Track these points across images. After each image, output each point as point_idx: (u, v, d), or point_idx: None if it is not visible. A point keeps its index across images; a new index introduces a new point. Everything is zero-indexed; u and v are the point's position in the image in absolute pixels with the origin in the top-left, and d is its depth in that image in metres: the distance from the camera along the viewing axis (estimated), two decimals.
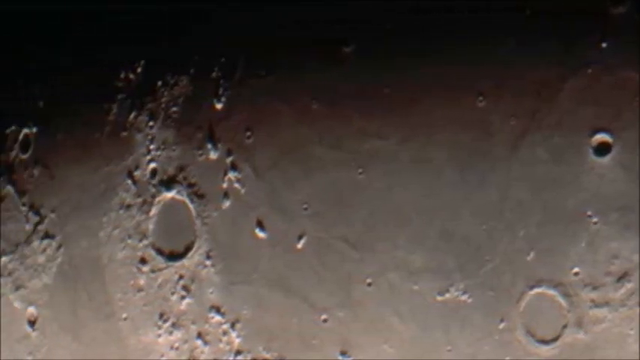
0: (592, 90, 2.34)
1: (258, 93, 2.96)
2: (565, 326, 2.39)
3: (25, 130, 3.74)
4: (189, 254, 3.16)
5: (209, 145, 3.08)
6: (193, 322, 3.14)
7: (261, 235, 2.96)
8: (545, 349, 2.42)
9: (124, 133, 3.35)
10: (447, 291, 2.56)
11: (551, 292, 2.40)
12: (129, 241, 3.35)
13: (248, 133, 2.98)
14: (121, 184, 3.37)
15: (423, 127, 2.59)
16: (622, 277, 2.36)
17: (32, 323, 3.71)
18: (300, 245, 2.86)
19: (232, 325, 3.03)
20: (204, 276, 3.11)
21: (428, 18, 2.58)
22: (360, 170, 2.72)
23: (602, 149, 2.34)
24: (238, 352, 3.02)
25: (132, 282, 3.34)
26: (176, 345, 3.19)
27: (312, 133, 2.83)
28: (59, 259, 3.60)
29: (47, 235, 3.65)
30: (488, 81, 2.48)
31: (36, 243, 3.69)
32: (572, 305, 2.38)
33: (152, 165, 3.27)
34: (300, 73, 2.85)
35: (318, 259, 2.82)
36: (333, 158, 2.78)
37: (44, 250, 3.66)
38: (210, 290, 3.09)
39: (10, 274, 3.81)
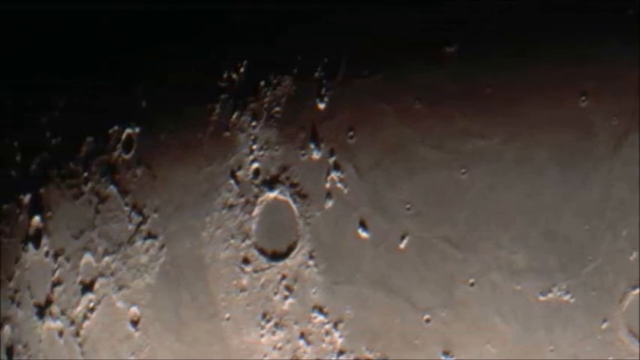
0: None
1: (360, 93, 3.02)
2: None
3: (128, 130, 3.86)
4: (292, 254, 3.23)
5: (312, 145, 3.17)
6: (296, 322, 3.23)
7: (363, 235, 3.02)
8: None
9: (227, 133, 3.44)
10: (550, 291, 2.58)
11: None
12: (232, 241, 3.44)
13: (351, 133, 3.05)
14: (223, 184, 3.46)
15: (526, 126, 2.61)
16: None
17: (135, 323, 3.82)
18: (402, 245, 2.92)
19: (335, 325, 3.10)
20: (307, 276, 3.20)
21: (530, 18, 2.60)
22: (462, 170, 2.77)
23: None
24: (341, 352, 3.08)
25: (235, 282, 3.43)
26: (279, 345, 3.27)
27: (415, 132, 2.87)
28: (162, 259, 3.71)
29: (150, 235, 3.76)
30: (591, 81, 2.48)
31: (139, 243, 3.80)
32: None
33: (255, 165, 3.35)
34: (402, 73, 2.90)
35: (420, 259, 2.87)
36: (435, 158, 2.82)
37: (147, 250, 3.77)
38: (313, 290, 3.17)
39: (112, 274, 3.92)
